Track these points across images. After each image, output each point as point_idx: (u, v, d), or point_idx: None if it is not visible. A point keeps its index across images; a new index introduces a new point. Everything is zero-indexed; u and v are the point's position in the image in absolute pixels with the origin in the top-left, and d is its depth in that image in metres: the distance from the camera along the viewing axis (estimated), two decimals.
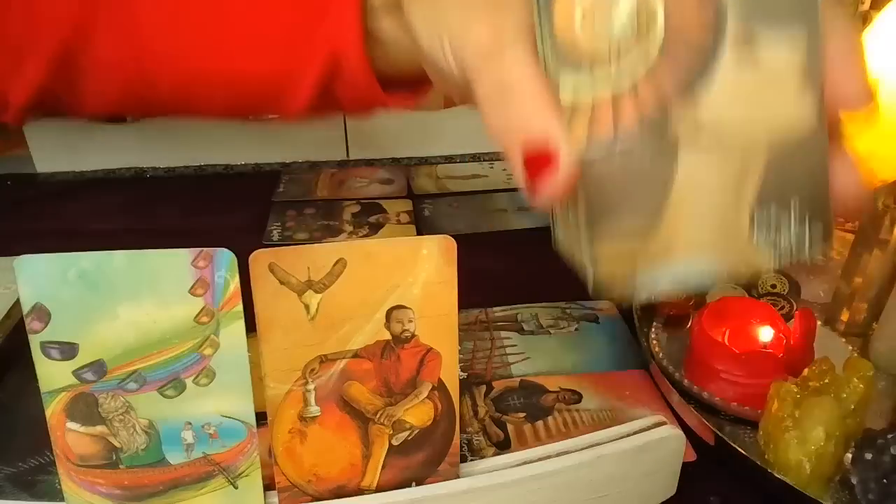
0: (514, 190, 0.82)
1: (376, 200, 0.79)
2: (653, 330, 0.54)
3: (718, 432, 0.42)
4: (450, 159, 0.92)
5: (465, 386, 0.48)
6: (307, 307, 0.33)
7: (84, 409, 0.33)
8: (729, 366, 0.46)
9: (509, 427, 0.45)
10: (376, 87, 0.45)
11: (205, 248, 0.32)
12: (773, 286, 0.57)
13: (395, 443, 0.36)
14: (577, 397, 0.48)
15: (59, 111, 0.51)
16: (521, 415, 0.46)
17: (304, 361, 0.34)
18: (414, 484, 0.37)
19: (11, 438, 0.44)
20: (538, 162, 0.30)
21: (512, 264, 0.67)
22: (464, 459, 0.40)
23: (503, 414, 0.46)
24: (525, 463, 0.37)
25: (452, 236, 0.34)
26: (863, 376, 0.39)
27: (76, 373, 0.32)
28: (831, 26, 0.32)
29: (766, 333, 0.47)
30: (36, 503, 0.40)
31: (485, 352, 0.53)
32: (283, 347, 0.33)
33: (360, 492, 0.36)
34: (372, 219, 0.74)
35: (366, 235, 0.71)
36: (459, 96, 0.39)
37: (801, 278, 0.58)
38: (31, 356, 0.32)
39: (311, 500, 0.36)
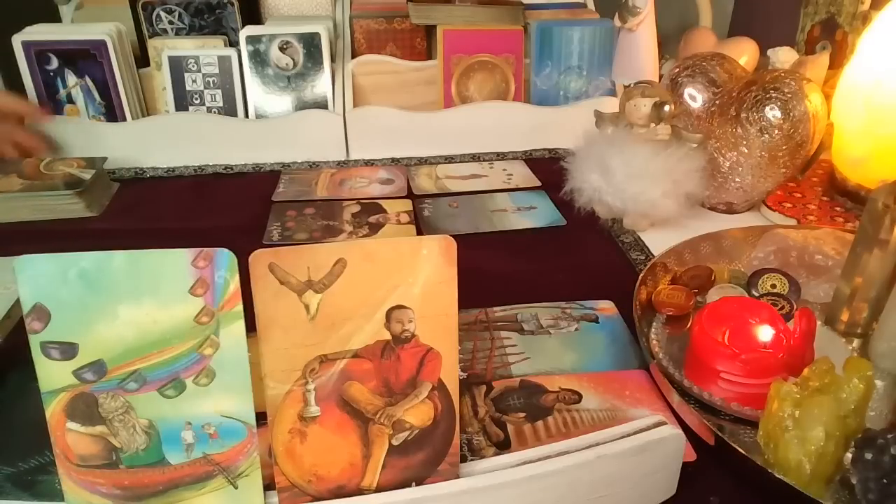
0: (514, 190, 0.82)
1: (376, 200, 0.79)
2: (653, 330, 0.54)
3: (718, 432, 0.42)
4: (450, 159, 0.92)
5: (465, 386, 0.48)
6: (307, 307, 0.33)
7: (84, 409, 0.33)
8: (729, 366, 0.46)
9: (509, 427, 0.45)
10: None
11: (205, 248, 0.32)
12: (773, 286, 0.57)
13: (395, 443, 0.36)
14: (577, 397, 0.48)
15: None
16: (521, 415, 0.46)
17: (304, 361, 0.34)
18: (414, 484, 0.37)
19: (11, 438, 0.44)
20: None
21: (512, 264, 0.67)
22: (464, 459, 0.40)
23: (503, 414, 0.46)
24: (525, 463, 0.37)
25: (452, 236, 0.34)
26: (863, 376, 0.39)
27: (76, 373, 0.32)
28: None
29: (766, 333, 0.47)
30: (36, 503, 0.40)
31: (485, 352, 0.53)
32: (283, 347, 0.33)
33: (360, 492, 0.36)
34: (372, 219, 0.74)
35: (366, 235, 0.71)
36: None
37: (801, 278, 0.58)
38: (31, 356, 0.32)
39: (311, 500, 0.36)
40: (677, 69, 0.77)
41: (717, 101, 0.73)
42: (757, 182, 0.72)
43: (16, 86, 0.87)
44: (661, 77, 0.95)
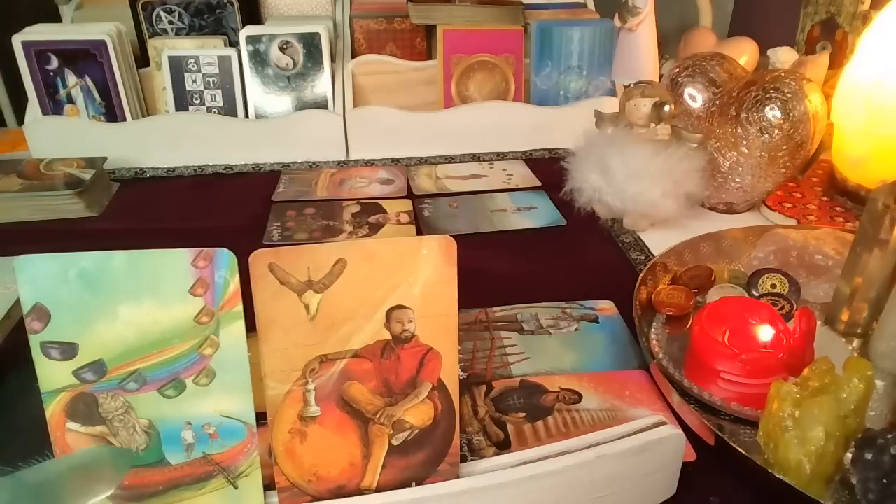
0: (514, 190, 0.82)
1: (376, 200, 0.79)
2: (653, 330, 0.54)
3: (718, 432, 0.42)
4: (450, 159, 0.92)
5: (465, 386, 0.48)
6: (307, 307, 0.33)
7: (84, 409, 0.33)
8: (729, 366, 0.46)
9: (509, 427, 0.45)
10: None
11: (205, 248, 0.32)
12: (773, 286, 0.57)
13: (395, 443, 0.36)
14: (577, 397, 0.48)
15: None
16: (521, 415, 0.46)
17: (304, 361, 0.34)
18: (414, 484, 0.37)
19: (11, 438, 0.44)
20: None
21: (512, 264, 0.67)
22: (464, 459, 0.40)
23: (503, 414, 0.46)
24: (525, 463, 0.37)
25: (452, 236, 0.34)
26: (863, 376, 0.39)
27: (76, 373, 0.32)
28: None
29: (766, 333, 0.47)
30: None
31: (485, 352, 0.53)
32: (283, 347, 0.33)
33: (360, 492, 0.36)
34: (372, 219, 0.74)
35: (366, 235, 0.71)
36: None
37: (801, 278, 0.58)
38: (31, 356, 0.32)
39: (311, 500, 0.36)
40: (677, 69, 0.77)
41: (717, 101, 0.73)
42: (757, 182, 0.72)
43: (16, 86, 0.87)
44: (661, 77, 0.95)
